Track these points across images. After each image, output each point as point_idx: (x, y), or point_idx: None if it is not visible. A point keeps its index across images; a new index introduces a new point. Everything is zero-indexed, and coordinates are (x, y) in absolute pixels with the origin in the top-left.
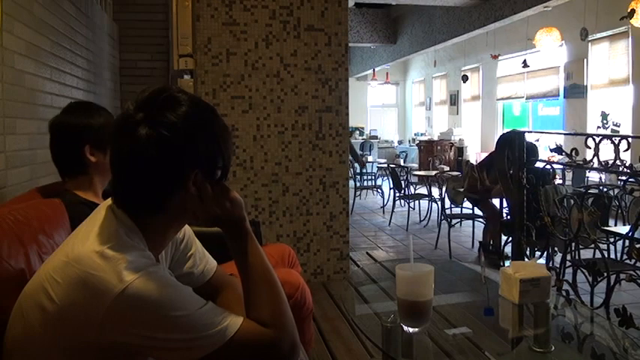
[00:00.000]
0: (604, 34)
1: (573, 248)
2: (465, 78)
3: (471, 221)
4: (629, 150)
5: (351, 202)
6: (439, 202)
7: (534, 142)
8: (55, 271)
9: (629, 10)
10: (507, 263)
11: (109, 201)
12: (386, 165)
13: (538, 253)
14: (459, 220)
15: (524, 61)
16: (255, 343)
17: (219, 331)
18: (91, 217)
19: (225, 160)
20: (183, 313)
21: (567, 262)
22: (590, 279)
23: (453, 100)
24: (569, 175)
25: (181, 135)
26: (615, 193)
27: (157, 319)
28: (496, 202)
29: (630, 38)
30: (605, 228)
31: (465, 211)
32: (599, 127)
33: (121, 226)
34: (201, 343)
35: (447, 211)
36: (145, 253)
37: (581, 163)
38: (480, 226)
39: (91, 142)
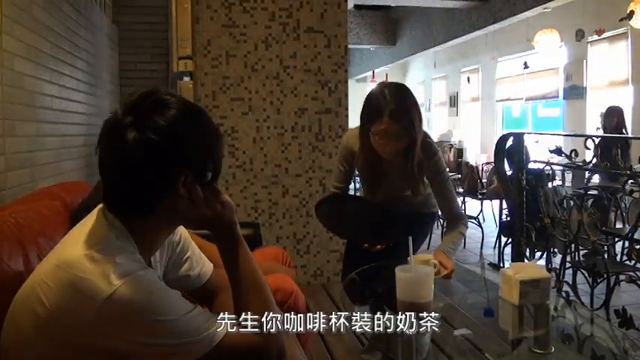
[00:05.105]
0: (603, 35)
1: (573, 249)
2: (468, 78)
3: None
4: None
5: None
6: None
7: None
8: (47, 275)
9: (628, 12)
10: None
11: (101, 205)
12: None
13: (538, 254)
14: None
15: (525, 62)
16: (242, 349)
17: (206, 336)
18: (83, 221)
19: (215, 161)
20: (170, 317)
21: (567, 263)
22: (590, 280)
23: (453, 101)
24: (568, 176)
25: (170, 138)
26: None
27: (143, 323)
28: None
29: (629, 39)
30: (605, 229)
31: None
32: (598, 128)
33: (112, 229)
34: (189, 349)
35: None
36: (135, 256)
37: (580, 164)
38: (471, 226)
39: None
